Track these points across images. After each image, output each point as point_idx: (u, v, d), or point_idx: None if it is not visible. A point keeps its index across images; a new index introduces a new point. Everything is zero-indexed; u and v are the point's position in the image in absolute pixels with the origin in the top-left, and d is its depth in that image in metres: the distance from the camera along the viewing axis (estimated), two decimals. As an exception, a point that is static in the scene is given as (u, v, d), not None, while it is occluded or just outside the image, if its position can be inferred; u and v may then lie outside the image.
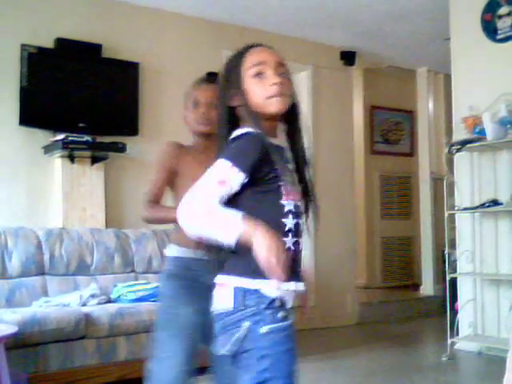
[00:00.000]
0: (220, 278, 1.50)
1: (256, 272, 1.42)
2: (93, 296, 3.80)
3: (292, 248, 1.49)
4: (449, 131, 5.34)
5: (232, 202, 1.46)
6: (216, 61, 5.35)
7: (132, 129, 4.64)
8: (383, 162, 7.45)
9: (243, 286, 1.45)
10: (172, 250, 2.12)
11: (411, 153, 7.62)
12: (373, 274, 7.26)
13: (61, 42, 4.42)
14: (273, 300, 1.45)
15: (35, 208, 4.34)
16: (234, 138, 1.50)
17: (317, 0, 4.92)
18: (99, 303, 3.78)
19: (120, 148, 4.39)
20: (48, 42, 4.39)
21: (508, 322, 4.29)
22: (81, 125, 4.36)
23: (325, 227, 5.80)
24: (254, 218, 1.41)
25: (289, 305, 1.51)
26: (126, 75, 4.65)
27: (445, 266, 4.59)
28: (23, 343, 3.21)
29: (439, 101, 6.98)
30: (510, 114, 4.19)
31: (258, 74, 1.51)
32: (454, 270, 4.62)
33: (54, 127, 4.32)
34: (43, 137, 4.33)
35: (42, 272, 3.96)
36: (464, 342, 4.52)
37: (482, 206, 4.34)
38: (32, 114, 4.26)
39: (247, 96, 1.50)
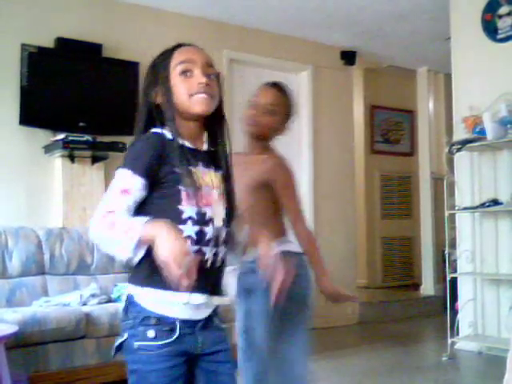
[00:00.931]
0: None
1: (146, 280, 1.39)
2: (93, 296, 3.80)
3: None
4: (449, 131, 5.34)
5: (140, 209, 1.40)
6: (216, 61, 5.36)
7: (132, 128, 4.60)
8: (383, 162, 7.45)
9: (131, 295, 1.42)
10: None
11: (411, 152, 7.62)
12: (373, 273, 7.26)
13: (61, 42, 4.42)
14: (147, 316, 1.39)
15: (35, 208, 4.34)
16: (135, 141, 1.47)
17: (317, 0, 4.92)
18: (99, 303, 3.78)
19: (120, 148, 4.39)
20: (48, 42, 4.39)
21: (508, 322, 4.28)
22: (81, 124, 4.36)
23: (325, 227, 5.79)
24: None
25: (177, 320, 1.40)
26: (126, 75, 4.65)
27: (445, 266, 4.60)
28: (23, 343, 3.21)
29: (439, 100, 6.98)
30: (511, 114, 4.19)
31: (185, 72, 1.46)
32: (455, 270, 4.62)
33: (55, 127, 4.32)
34: (43, 136, 4.33)
35: (42, 272, 3.96)
36: (464, 341, 4.52)
37: (483, 205, 4.34)
38: (32, 114, 4.25)
39: (171, 93, 1.45)
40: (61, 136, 4.21)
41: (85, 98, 4.45)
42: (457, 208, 4.53)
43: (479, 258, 4.54)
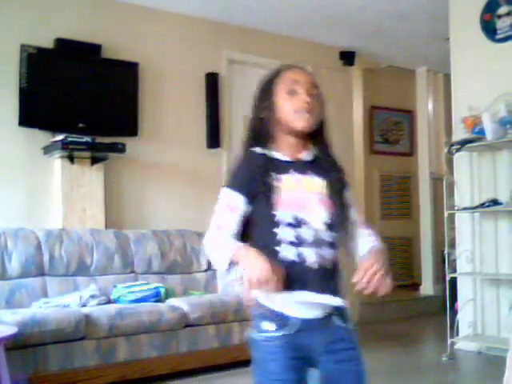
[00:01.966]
0: None
1: None
2: (92, 297, 3.80)
3: (294, 259, 1.51)
4: (448, 131, 5.34)
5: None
6: (216, 61, 5.37)
7: (132, 129, 4.64)
8: (383, 162, 7.45)
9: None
10: None
11: (411, 153, 7.61)
12: (373, 273, 7.25)
13: (60, 43, 4.42)
14: (266, 312, 1.53)
15: (35, 209, 4.33)
16: (238, 160, 1.63)
17: (316, 0, 4.92)
18: (99, 304, 3.78)
19: (120, 149, 4.39)
20: (48, 43, 4.39)
21: (508, 322, 4.29)
22: (80, 125, 4.36)
23: (324, 227, 5.67)
24: (252, 234, 1.53)
25: (285, 316, 1.52)
26: (125, 75, 4.65)
27: (444, 266, 4.60)
28: (23, 344, 3.21)
29: (439, 101, 6.97)
30: (510, 114, 4.19)
31: (291, 92, 1.59)
32: (454, 270, 4.62)
33: (54, 128, 4.32)
34: (43, 137, 4.33)
35: (41, 273, 3.96)
36: (464, 341, 4.52)
37: (482, 205, 4.34)
38: (31, 115, 4.25)
39: (276, 108, 1.59)
40: (60, 137, 4.20)
41: (84, 98, 4.45)
42: (456, 208, 4.53)
43: (479, 258, 4.54)
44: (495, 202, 4.29)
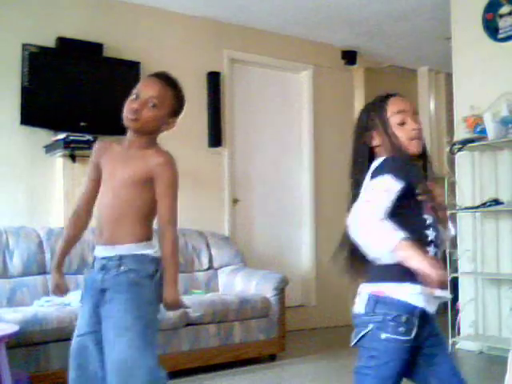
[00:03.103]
0: (360, 287, 1.76)
1: (405, 276, 1.63)
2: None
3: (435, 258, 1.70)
4: (450, 131, 5.34)
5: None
6: (217, 60, 5.37)
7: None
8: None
9: (378, 294, 1.68)
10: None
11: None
12: (374, 273, 7.25)
13: (62, 42, 4.42)
14: (399, 315, 1.65)
15: (36, 207, 4.34)
16: (382, 163, 1.73)
17: (318, 0, 4.93)
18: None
19: (121, 147, 4.40)
20: (49, 42, 4.40)
21: (509, 322, 4.29)
22: (82, 124, 4.37)
23: (325, 227, 5.79)
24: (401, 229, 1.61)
25: (426, 312, 1.71)
26: (127, 74, 4.65)
27: (446, 266, 4.59)
28: (24, 342, 3.22)
29: (440, 100, 6.97)
30: (511, 114, 4.18)
31: (401, 123, 1.77)
32: (455, 270, 4.61)
33: (56, 126, 4.33)
34: (44, 136, 4.33)
35: (43, 271, 3.96)
36: (465, 341, 4.52)
37: (484, 205, 4.34)
38: (33, 114, 4.26)
39: (390, 138, 1.76)
40: (62, 136, 4.21)
41: (86, 97, 4.46)
42: (458, 208, 4.53)
43: (480, 257, 4.54)
44: (497, 202, 4.29)
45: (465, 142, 4.38)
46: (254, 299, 4.21)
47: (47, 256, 3.97)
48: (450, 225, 1.88)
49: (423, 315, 1.69)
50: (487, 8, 4.51)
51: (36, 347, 3.29)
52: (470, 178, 4.59)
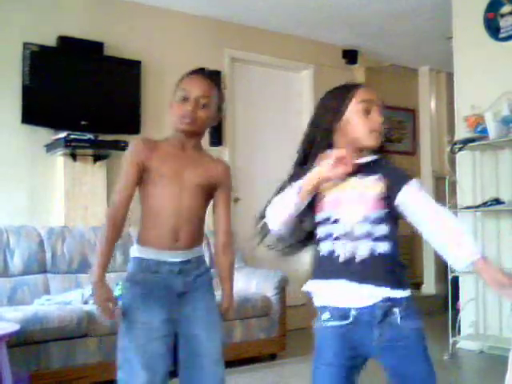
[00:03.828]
0: None
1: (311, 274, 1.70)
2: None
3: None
4: (451, 130, 5.33)
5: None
6: (218, 59, 5.37)
7: (134, 127, 4.64)
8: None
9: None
10: (134, 250, 2.01)
11: (413, 151, 7.60)
12: (374, 272, 7.25)
13: (63, 41, 4.42)
14: (323, 306, 1.70)
15: (37, 206, 4.34)
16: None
17: (319, -2, 4.92)
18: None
19: (122, 146, 4.38)
20: (50, 41, 4.40)
21: (510, 321, 4.28)
22: (83, 123, 4.37)
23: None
24: None
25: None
26: (128, 73, 4.65)
27: (446, 265, 4.58)
28: (25, 341, 3.22)
29: (441, 99, 6.96)
30: (513, 113, 4.18)
31: (366, 111, 1.70)
32: (456, 269, 4.61)
33: (56, 125, 4.33)
34: (45, 135, 4.33)
35: (43, 270, 3.97)
36: (465, 340, 4.52)
37: (484, 204, 4.34)
38: (34, 112, 4.26)
39: (350, 125, 1.69)
40: (63, 134, 4.21)
41: (87, 96, 4.46)
42: (458, 207, 4.53)
43: (481, 257, 4.53)
44: (497, 201, 4.28)
45: (466, 142, 4.38)
46: (255, 298, 4.21)
47: (48, 255, 3.98)
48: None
49: (341, 311, 1.69)
50: (488, 7, 4.51)
51: (36, 346, 3.29)
52: (471, 178, 4.58)
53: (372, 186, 1.66)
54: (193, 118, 1.94)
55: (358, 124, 1.69)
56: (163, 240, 1.93)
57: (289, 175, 1.75)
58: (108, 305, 1.85)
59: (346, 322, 1.63)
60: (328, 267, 1.66)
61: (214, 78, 2.05)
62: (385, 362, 1.67)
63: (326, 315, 1.67)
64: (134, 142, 2.02)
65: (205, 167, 2.00)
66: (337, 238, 1.64)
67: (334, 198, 1.67)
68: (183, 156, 1.98)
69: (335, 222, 1.65)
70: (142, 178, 1.95)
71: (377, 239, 1.64)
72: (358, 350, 1.66)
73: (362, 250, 1.62)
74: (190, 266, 1.97)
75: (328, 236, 1.66)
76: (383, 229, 1.65)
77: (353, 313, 1.63)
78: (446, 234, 1.74)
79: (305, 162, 1.72)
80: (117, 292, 3.94)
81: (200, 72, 2.06)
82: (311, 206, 1.69)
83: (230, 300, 2.09)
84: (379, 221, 1.65)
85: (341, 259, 1.63)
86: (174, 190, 1.93)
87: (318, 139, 1.71)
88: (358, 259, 1.62)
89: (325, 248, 1.66)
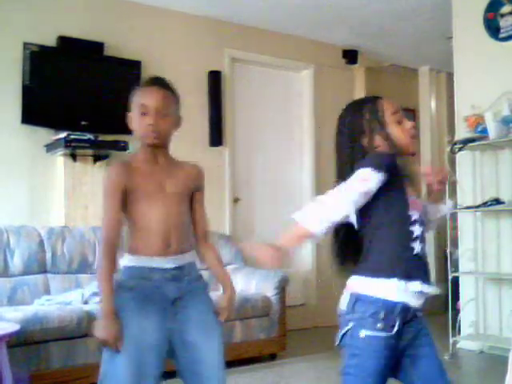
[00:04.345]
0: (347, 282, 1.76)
1: (380, 271, 1.67)
2: (95, 294, 3.80)
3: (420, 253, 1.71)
4: (451, 130, 5.33)
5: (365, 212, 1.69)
6: (218, 59, 5.37)
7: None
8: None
9: (358, 291, 1.69)
10: (125, 259, 1.99)
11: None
12: (374, 272, 7.24)
13: (63, 41, 4.42)
14: (376, 311, 1.65)
15: (37, 206, 4.34)
16: (365, 159, 1.73)
17: (319, -2, 4.92)
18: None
19: (122, 146, 4.40)
20: (50, 41, 4.40)
21: (510, 321, 4.28)
22: (83, 123, 4.37)
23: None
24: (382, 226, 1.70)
25: (408, 308, 1.68)
26: (128, 74, 4.65)
27: (447, 265, 4.59)
28: (25, 341, 3.22)
29: (441, 99, 6.96)
30: (513, 113, 4.18)
31: (400, 122, 1.80)
32: (456, 269, 4.61)
33: (56, 125, 4.33)
34: (45, 135, 4.34)
35: (44, 270, 3.97)
36: (466, 340, 4.52)
37: (484, 204, 4.34)
38: (34, 113, 4.26)
39: (391, 138, 1.77)
40: (63, 135, 4.21)
41: (87, 96, 4.46)
42: (459, 207, 4.53)
43: (481, 257, 4.54)
44: (497, 201, 4.28)
45: (466, 142, 4.38)
46: (255, 298, 4.21)
47: (48, 255, 3.98)
48: (445, 199, 1.92)
49: (406, 311, 1.67)
50: (488, 7, 4.51)
51: (37, 346, 3.29)
52: (471, 178, 4.58)
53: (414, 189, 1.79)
54: (157, 132, 1.95)
55: (398, 135, 1.78)
56: (155, 247, 1.94)
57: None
58: (115, 343, 1.83)
59: (395, 330, 1.67)
60: (419, 266, 1.70)
61: (166, 84, 2.04)
62: (408, 359, 1.75)
63: (385, 325, 1.66)
64: (111, 168, 2.07)
65: (181, 175, 2.03)
66: (416, 239, 1.71)
67: (412, 200, 1.75)
68: (159, 169, 2.01)
69: (414, 222, 1.72)
70: (130, 200, 2.00)
71: (424, 239, 1.76)
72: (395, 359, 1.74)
73: (424, 250, 1.74)
74: (182, 271, 1.97)
75: (417, 236, 1.72)
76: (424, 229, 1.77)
77: (403, 316, 1.69)
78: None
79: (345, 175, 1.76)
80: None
81: (153, 82, 2.04)
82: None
83: (233, 292, 2.09)
84: (423, 222, 1.77)
85: (422, 260, 1.73)
86: (159, 202, 1.97)
87: (358, 155, 1.77)
88: (427, 259, 1.75)
89: (418, 247, 1.71)
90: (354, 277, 1.73)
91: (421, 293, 1.68)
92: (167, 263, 1.94)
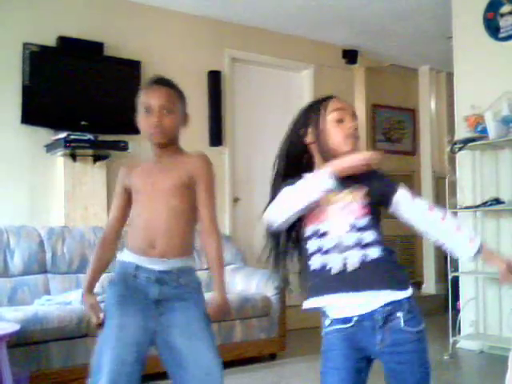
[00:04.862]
0: None
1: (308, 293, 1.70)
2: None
3: None
4: (451, 130, 5.33)
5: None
6: (218, 59, 5.37)
7: (134, 127, 4.59)
8: (385, 161, 7.43)
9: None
10: (122, 253, 2.05)
11: (413, 151, 7.61)
12: (375, 272, 7.24)
13: (63, 41, 4.42)
14: (324, 311, 1.71)
15: (37, 206, 4.34)
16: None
17: (319, -2, 4.92)
18: (101, 301, 3.78)
19: (122, 146, 4.40)
20: (50, 41, 4.40)
21: (510, 321, 4.28)
22: (83, 123, 4.37)
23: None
24: None
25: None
26: (127, 74, 4.65)
27: (447, 265, 4.59)
28: (25, 341, 3.22)
29: (441, 99, 6.97)
30: (513, 113, 4.18)
31: (339, 120, 1.75)
32: (456, 269, 4.61)
33: (56, 126, 4.33)
34: (45, 135, 4.34)
35: (44, 270, 3.97)
36: (466, 340, 4.52)
37: (484, 204, 4.34)
38: (34, 113, 4.26)
39: (325, 135, 1.74)
40: (63, 135, 4.21)
41: (87, 96, 4.46)
42: (458, 207, 4.53)
43: (481, 256, 4.53)
44: (497, 201, 4.28)
45: (466, 142, 4.37)
46: (255, 298, 4.21)
47: (48, 255, 3.98)
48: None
49: (346, 321, 1.69)
50: (488, 7, 4.51)
51: (37, 346, 3.29)
52: (471, 178, 4.58)
53: (355, 194, 1.70)
54: (161, 129, 1.97)
55: (333, 133, 1.74)
56: (140, 246, 1.97)
57: (274, 185, 1.82)
58: (92, 310, 2.02)
59: (349, 324, 1.66)
60: (322, 282, 1.66)
61: (169, 82, 2.07)
62: (385, 365, 1.70)
63: (328, 321, 1.71)
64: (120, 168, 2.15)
65: (179, 167, 2.01)
66: (327, 252, 1.66)
67: (320, 211, 1.69)
68: (157, 168, 2.02)
69: (323, 235, 1.67)
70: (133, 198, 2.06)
71: (366, 246, 1.66)
72: (363, 352, 1.68)
73: (353, 259, 1.63)
74: (169, 276, 1.95)
75: (318, 250, 1.67)
76: (371, 235, 1.68)
77: (355, 319, 1.65)
78: (445, 226, 1.78)
79: (285, 175, 1.78)
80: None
81: (156, 82, 2.07)
82: (299, 220, 1.70)
83: (222, 293, 2.03)
84: (366, 228, 1.68)
85: (333, 271, 1.64)
86: (147, 202, 1.99)
87: (295, 153, 1.79)
88: (349, 269, 1.63)
89: (316, 262, 1.67)
90: None
91: (337, 306, 1.69)
92: (151, 264, 1.95)
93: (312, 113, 1.78)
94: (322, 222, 1.68)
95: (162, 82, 2.05)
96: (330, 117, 1.75)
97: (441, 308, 5.94)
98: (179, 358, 1.93)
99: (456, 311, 4.53)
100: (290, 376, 3.97)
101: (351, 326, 1.66)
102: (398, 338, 1.64)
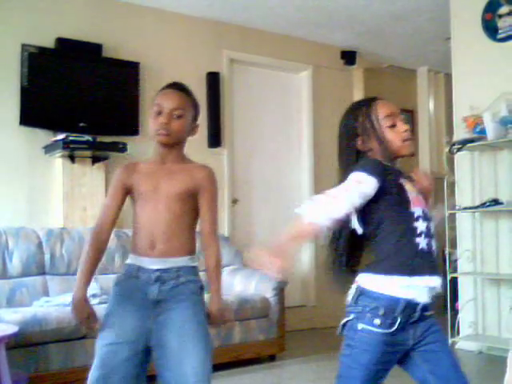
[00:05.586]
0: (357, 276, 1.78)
1: (386, 269, 1.70)
2: (94, 296, 3.80)
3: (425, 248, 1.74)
4: (449, 131, 5.33)
5: (368, 212, 1.72)
6: (216, 60, 5.37)
7: (133, 129, 4.64)
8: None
9: (363, 286, 1.72)
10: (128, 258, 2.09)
11: (412, 152, 7.61)
12: (373, 273, 7.25)
13: (61, 42, 4.42)
14: (376, 307, 1.68)
15: (36, 208, 4.34)
16: (358, 164, 1.76)
17: (317, 0, 4.92)
18: (100, 303, 3.77)
19: (121, 148, 4.40)
20: (48, 42, 4.40)
21: (509, 322, 4.29)
22: (81, 124, 4.37)
23: (325, 227, 5.66)
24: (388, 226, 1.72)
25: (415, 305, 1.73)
26: (126, 75, 4.66)
27: (445, 266, 4.59)
28: (24, 343, 3.22)
29: (440, 100, 6.97)
30: (511, 114, 4.18)
31: (392, 125, 1.81)
32: (455, 270, 4.62)
33: (55, 127, 4.33)
34: (44, 137, 4.33)
35: (42, 272, 3.96)
36: (464, 341, 4.52)
37: (483, 205, 4.34)
38: (32, 114, 4.26)
39: (383, 144, 1.79)
40: (61, 136, 4.21)
41: (85, 98, 4.46)
42: (457, 208, 4.53)
43: (479, 257, 4.54)
44: (496, 202, 4.29)
45: (464, 142, 4.38)
46: (254, 299, 4.21)
47: (46, 256, 3.98)
48: (436, 205, 2.00)
49: (411, 308, 1.70)
50: (486, 8, 4.51)
51: (35, 348, 3.29)
52: (470, 178, 4.59)
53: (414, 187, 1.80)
54: (167, 130, 1.99)
55: (389, 140, 1.80)
56: (142, 247, 2.00)
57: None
58: (87, 321, 2.04)
59: (394, 328, 1.69)
60: (425, 263, 1.74)
61: (187, 90, 2.08)
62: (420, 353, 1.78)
63: (377, 320, 1.69)
64: (118, 168, 2.14)
65: (182, 176, 2.03)
66: (420, 234, 1.74)
67: (414, 197, 1.76)
68: (160, 170, 2.04)
69: (417, 218, 1.74)
70: (133, 199, 2.09)
71: (431, 234, 1.78)
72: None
73: (434, 245, 1.78)
74: (168, 274, 1.97)
75: (422, 232, 1.74)
76: (432, 225, 1.80)
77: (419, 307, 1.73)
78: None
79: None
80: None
81: (172, 86, 2.08)
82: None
83: (217, 300, 2.06)
84: (430, 218, 1.80)
85: (428, 254, 1.75)
86: (150, 204, 2.01)
87: (352, 158, 1.81)
88: (434, 254, 1.78)
89: (424, 243, 1.74)
90: (362, 273, 1.76)
91: (427, 288, 1.73)
92: (151, 264, 1.97)
93: (361, 120, 1.82)
94: (418, 206, 1.75)
95: (178, 87, 2.07)
96: (383, 123, 1.80)
97: (440, 309, 5.92)
98: (168, 357, 1.93)
99: (455, 312, 4.54)
100: (289, 377, 3.97)
101: (398, 329, 1.69)
102: (426, 324, 1.78)
